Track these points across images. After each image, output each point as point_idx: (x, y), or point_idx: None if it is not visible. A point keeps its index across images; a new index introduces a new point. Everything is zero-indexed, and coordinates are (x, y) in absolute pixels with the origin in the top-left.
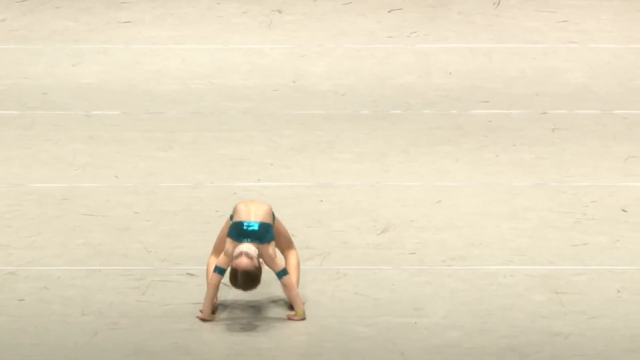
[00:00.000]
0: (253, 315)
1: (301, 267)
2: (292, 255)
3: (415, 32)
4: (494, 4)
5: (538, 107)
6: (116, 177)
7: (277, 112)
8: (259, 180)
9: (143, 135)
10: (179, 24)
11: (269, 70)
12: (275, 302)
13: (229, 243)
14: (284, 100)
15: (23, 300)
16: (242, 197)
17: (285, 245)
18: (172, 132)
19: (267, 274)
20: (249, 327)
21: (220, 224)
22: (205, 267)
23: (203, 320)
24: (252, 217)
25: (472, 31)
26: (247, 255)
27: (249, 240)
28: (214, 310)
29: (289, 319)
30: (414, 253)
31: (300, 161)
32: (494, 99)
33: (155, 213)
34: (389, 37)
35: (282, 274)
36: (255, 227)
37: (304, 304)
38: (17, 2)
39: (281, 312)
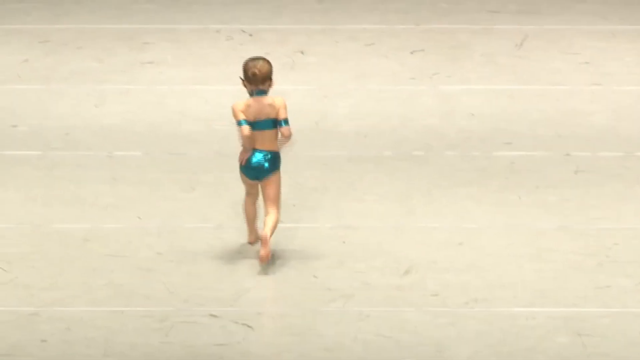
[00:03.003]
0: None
1: (324, 308)
2: (273, 214)
3: (438, 73)
4: (517, 45)
5: (561, 149)
6: (139, 217)
7: (300, 154)
8: (281, 221)
9: (166, 176)
10: (202, 64)
11: (292, 112)
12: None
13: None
14: (307, 141)
15: (46, 341)
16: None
17: (272, 199)
18: (195, 173)
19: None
20: None
21: (243, 266)
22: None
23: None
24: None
25: (494, 73)
26: None
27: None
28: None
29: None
30: (436, 295)
31: (323, 202)
32: (517, 141)
33: (178, 254)
34: (412, 78)
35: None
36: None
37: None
38: (40, 42)
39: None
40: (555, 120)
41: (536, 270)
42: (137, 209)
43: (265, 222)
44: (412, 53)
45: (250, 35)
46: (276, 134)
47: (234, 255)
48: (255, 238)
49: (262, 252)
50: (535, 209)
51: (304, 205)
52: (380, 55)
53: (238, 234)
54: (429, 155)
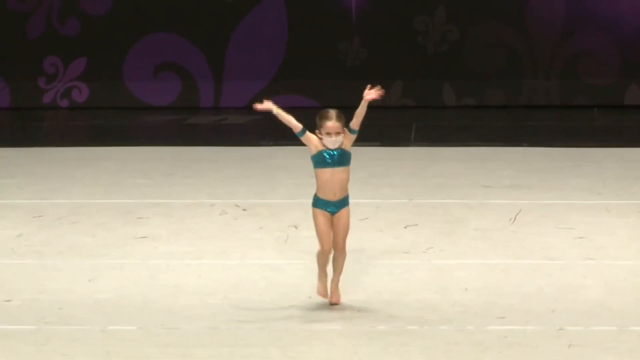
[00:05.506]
0: None
1: None
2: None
3: (432, 247)
4: (510, 220)
5: (555, 324)
6: None
7: (294, 328)
8: None
9: (159, 351)
10: (196, 239)
11: (286, 286)
12: None
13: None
14: (301, 316)
15: None
16: None
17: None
18: (189, 347)
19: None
20: None
21: None
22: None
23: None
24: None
25: (488, 247)
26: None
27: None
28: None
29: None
30: None
31: None
32: (510, 315)
33: None
34: (405, 252)
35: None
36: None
37: None
38: (34, 217)
39: None
40: (549, 295)
41: None
42: None
43: (332, 284)
44: (405, 227)
45: (244, 209)
46: (348, 179)
47: None
48: (326, 290)
49: (334, 300)
50: None
51: None
52: (374, 230)
53: None
54: (423, 330)
